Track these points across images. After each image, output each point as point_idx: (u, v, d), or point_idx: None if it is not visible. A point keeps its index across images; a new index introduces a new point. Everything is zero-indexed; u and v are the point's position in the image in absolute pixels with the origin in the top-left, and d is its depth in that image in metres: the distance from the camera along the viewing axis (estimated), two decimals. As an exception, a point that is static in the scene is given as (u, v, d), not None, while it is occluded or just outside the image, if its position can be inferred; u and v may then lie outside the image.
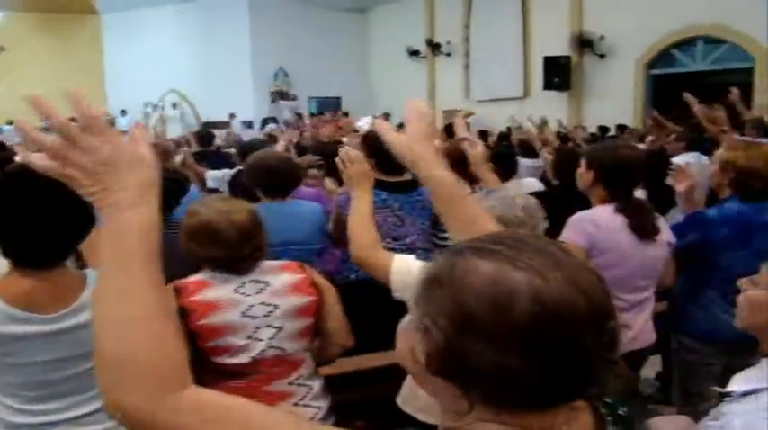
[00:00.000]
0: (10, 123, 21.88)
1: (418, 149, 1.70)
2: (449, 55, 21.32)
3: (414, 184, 4.00)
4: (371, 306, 2.95)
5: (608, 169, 3.19)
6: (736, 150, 3.42)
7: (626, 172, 3.20)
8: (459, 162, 4.26)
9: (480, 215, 1.67)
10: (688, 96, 6.53)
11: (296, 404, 2.51)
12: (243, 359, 2.41)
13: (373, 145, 4.18)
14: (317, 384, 2.63)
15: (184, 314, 2.38)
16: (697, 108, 6.42)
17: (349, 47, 23.95)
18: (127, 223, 1.08)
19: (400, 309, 2.52)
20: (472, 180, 4.34)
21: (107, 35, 25.39)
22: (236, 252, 2.47)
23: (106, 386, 1.04)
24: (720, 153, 3.50)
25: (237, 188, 5.01)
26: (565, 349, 0.93)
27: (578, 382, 0.98)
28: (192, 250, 2.53)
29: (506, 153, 5.91)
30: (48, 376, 2.10)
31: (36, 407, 2.12)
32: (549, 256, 0.98)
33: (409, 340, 1.04)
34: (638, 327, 3.24)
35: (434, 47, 21.61)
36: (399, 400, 2.72)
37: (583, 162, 3.31)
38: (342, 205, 4.11)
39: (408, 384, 2.65)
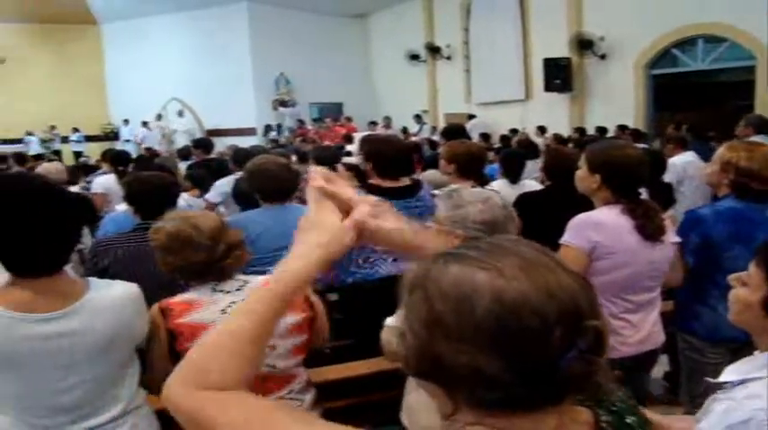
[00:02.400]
0: (30, 134, 22.08)
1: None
2: (449, 58, 21.33)
3: (412, 190, 3.98)
4: (368, 309, 2.94)
5: (615, 171, 3.13)
6: (737, 151, 3.39)
7: (633, 172, 3.16)
8: (467, 163, 4.25)
9: None
10: None
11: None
12: None
13: (371, 148, 4.18)
14: (308, 397, 2.65)
15: (172, 336, 2.41)
16: None
17: (350, 52, 23.98)
18: (287, 266, 1.28)
19: (393, 313, 2.52)
20: (483, 182, 4.33)
21: (108, 45, 25.46)
22: (212, 252, 2.49)
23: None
24: (721, 153, 3.47)
25: (239, 195, 4.99)
26: (530, 348, 0.93)
27: (557, 384, 0.97)
28: (169, 263, 2.55)
29: (514, 154, 5.93)
30: (51, 385, 2.10)
31: (40, 422, 2.11)
32: (518, 258, 0.99)
33: (394, 344, 1.08)
34: (647, 328, 3.21)
35: (434, 51, 21.62)
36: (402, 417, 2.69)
37: (584, 165, 3.26)
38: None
39: (406, 404, 2.63)
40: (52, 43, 24.59)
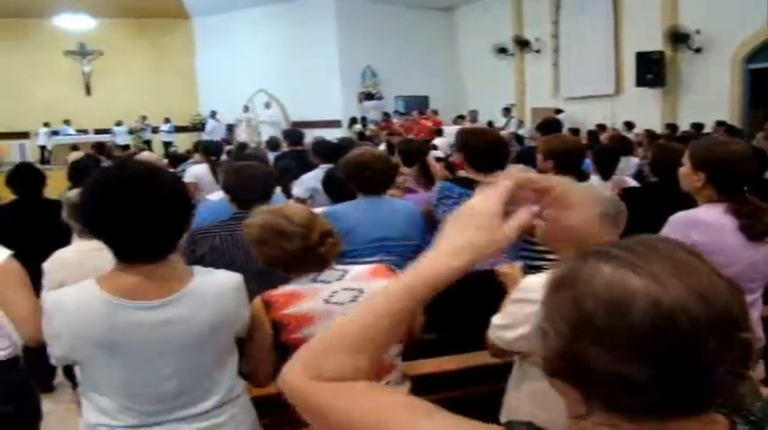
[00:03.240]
0: (119, 124, 22.89)
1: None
2: (538, 52, 21.05)
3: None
4: (456, 304, 2.91)
5: (719, 168, 3.01)
6: None
7: (738, 170, 3.03)
8: (565, 158, 4.18)
9: None
10: None
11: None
12: None
13: (465, 138, 4.14)
14: (404, 389, 2.63)
15: (277, 328, 2.40)
16: None
17: (436, 45, 23.90)
18: (434, 256, 1.16)
19: (486, 307, 2.50)
20: (581, 178, 4.25)
21: (199, 38, 26.00)
22: (306, 240, 2.48)
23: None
24: None
25: (331, 186, 5.00)
26: (683, 357, 0.90)
27: (701, 394, 0.93)
28: (266, 254, 2.55)
29: (609, 150, 5.82)
30: (154, 372, 2.12)
31: (142, 408, 2.13)
32: (673, 262, 0.95)
33: (534, 342, 1.05)
34: None
35: (523, 44, 21.37)
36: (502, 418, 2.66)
37: (687, 162, 3.16)
38: (433, 203, 4.08)
39: (506, 406, 2.60)
40: (147, 37, 25.32)
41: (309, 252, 2.50)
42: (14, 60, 23.64)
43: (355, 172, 3.94)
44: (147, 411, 2.13)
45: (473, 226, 1.15)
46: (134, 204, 2.02)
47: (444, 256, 1.15)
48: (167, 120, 24.24)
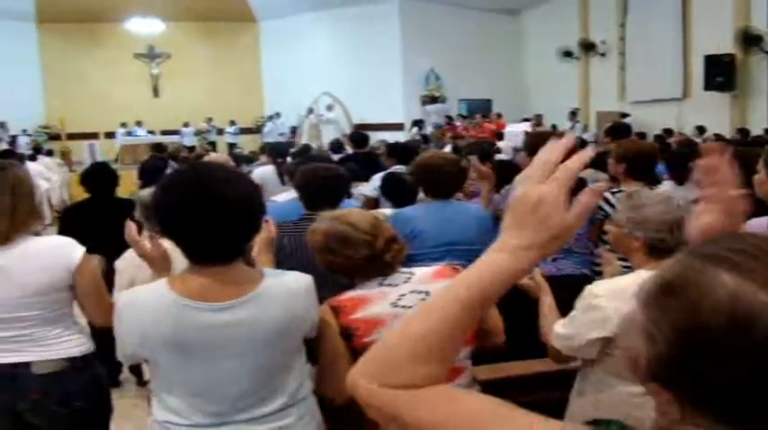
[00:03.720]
0: (186, 125, 23.44)
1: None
2: (603, 55, 20.75)
3: (572, 191, 3.88)
4: (524, 309, 2.88)
5: None
6: None
7: None
8: (638, 162, 4.09)
9: None
10: None
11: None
12: None
13: (535, 142, 4.09)
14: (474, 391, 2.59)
15: (347, 333, 2.39)
16: None
17: (501, 48, 23.74)
18: (492, 259, 1.11)
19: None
20: (653, 182, 4.16)
21: (264, 41, 26.46)
22: (372, 247, 2.46)
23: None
24: None
25: (390, 189, 4.97)
26: None
27: None
28: (330, 262, 2.54)
29: (683, 154, 5.69)
30: (222, 373, 2.13)
31: (209, 408, 2.15)
32: None
33: (632, 341, 1.00)
34: None
35: (588, 47, 21.08)
36: None
37: (763, 169, 3.05)
38: (501, 207, 4.04)
39: (570, 414, 2.56)
40: (214, 40, 25.90)
41: (375, 259, 2.49)
42: (87, 63, 24.54)
43: (425, 174, 3.93)
44: (214, 411, 2.14)
45: (533, 222, 1.08)
46: (206, 206, 2.04)
47: (507, 258, 1.09)
48: (232, 123, 24.62)
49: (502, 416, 1.05)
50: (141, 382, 5.54)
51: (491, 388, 2.98)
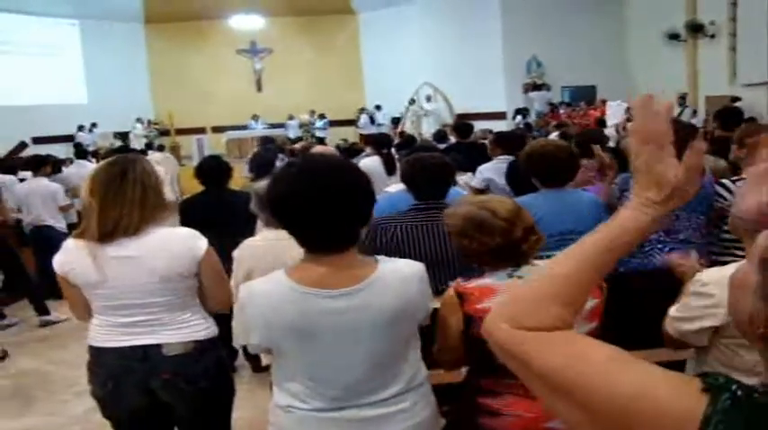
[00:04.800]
0: (291, 118, 23.92)
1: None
2: (713, 37, 19.94)
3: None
4: (636, 300, 2.82)
5: None
6: None
7: None
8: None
9: None
10: None
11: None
12: None
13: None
14: None
15: (471, 321, 2.40)
16: None
17: (604, 33, 23.05)
18: (621, 214, 1.25)
19: (667, 304, 2.42)
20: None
21: (364, 33, 26.59)
22: (509, 236, 2.45)
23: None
24: None
25: (513, 179, 4.94)
26: None
27: None
28: (465, 247, 2.54)
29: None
30: (340, 359, 2.19)
31: (328, 393, 2.21)
32: None
33: (746, 302, 1.02)
34: None
35: (696, 29, 20.31)
36: None
37: None
38: (616, 196, 3.97)
39: None
40: (314, 33, 26.16)
41: (510, 248, 2.47)
42: (192, 60, 25.29)
43: (537, 163, 3.89)
44: (333, 396, 2.21)
45: (651, 182, 1.21)
46: (320, 196, 2.10)
47: (633, 213, 1.23)
48: (322, 116, 24.75)
49: (621, 362, 1.07)
50: (256, 369, 5.71)
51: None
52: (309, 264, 2.19)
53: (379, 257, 2.31)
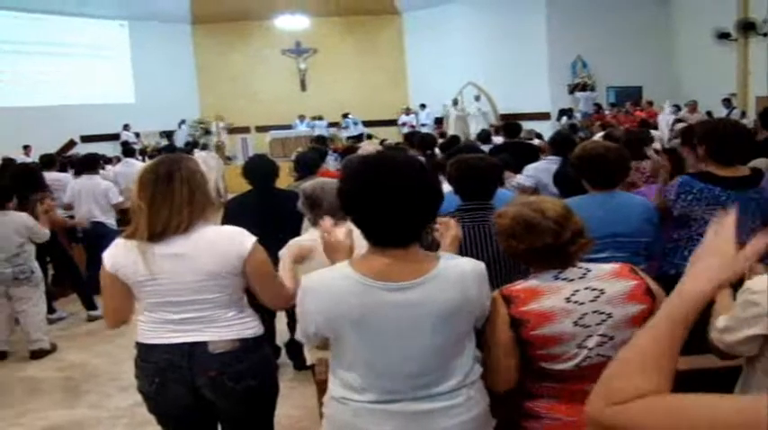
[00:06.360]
0: (320, 118, 23.88)
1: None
2: (765, 35, 19.53)
3: (752, 181, 3.68)
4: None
5: None
6: None
7: None
8: None
9: None
10: None
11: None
12: (568, 366, 2.39)
13: (707, 129, 3.92)
14: None
15: (517, 324, 2.39)
16: None
17: (650, 33, 22.73)
18: (686, 288, 1.37)
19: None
20: None
21: (408, 33, 26.63)
22: (557, 238, 2.43)
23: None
24: None
25: (561, 179, 4.89)
26: None
27: None
28: (512, 247, 2.53)
29: None
30: (398, 352, 2.23)
31: (384, 385, 2.24)
32: None
33: None
34: None
35: (748, 27, 19.88)
36: None
37: None
38: (671, 198, 3.90)
39: None
40: (358, 33, 26.34)
41: (558, 250, 2.46)
42: (238, 61, 25.58)
43: (588, 165, 3.84)
44: (389, 389, 2.25)
45: (713, 261, 1.38)
46: (388, 193, 2.16)
47: (701, 284, 1.35)
48: (345, 115, 24.38)
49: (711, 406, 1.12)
50: (298, 366, 5.75)
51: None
52: (375, 256, 2.25)
53: (442, 254, 2.38)
